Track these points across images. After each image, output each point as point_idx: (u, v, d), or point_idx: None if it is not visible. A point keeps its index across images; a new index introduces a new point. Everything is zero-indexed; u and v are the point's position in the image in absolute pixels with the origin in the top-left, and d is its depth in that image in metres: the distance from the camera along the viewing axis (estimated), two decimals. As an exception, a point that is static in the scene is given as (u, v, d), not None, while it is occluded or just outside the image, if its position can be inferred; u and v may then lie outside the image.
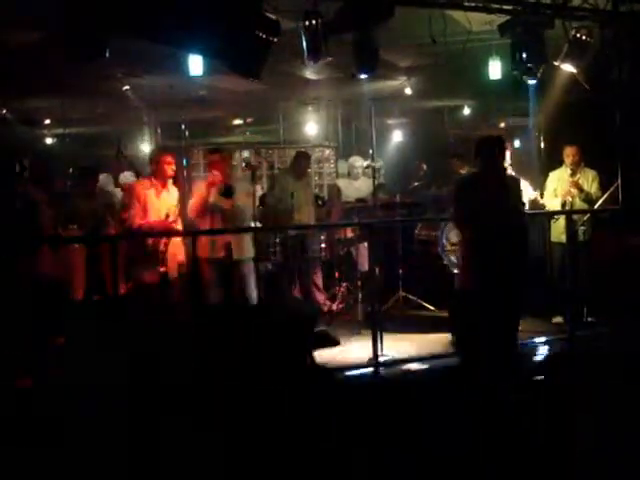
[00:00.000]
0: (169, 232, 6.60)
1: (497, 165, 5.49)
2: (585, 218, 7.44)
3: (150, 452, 4.32)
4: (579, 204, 7.48)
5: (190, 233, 7.05)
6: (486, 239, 5.29)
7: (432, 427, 4.30)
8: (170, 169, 6.60)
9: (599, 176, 7.53)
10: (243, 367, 5.08)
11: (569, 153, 7.57)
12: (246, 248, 6.98)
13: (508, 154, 7.47)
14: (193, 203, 6.97)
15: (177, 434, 4.45)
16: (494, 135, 5.77)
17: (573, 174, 7.51)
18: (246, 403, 4.71)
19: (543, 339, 6.67)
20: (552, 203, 7.57)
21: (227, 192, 6.77)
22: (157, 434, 4.54)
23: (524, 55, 6.73)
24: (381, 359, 6.09)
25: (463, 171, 8.77)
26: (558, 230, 7.28)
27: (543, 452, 4.15)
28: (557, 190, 7.56)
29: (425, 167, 10.43)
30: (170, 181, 6.66)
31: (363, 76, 6.73)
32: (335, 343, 6.77)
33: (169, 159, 6.63)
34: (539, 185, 7.93)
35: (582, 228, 7.39)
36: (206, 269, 6.87)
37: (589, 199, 7.45)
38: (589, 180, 7.53)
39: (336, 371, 5.97)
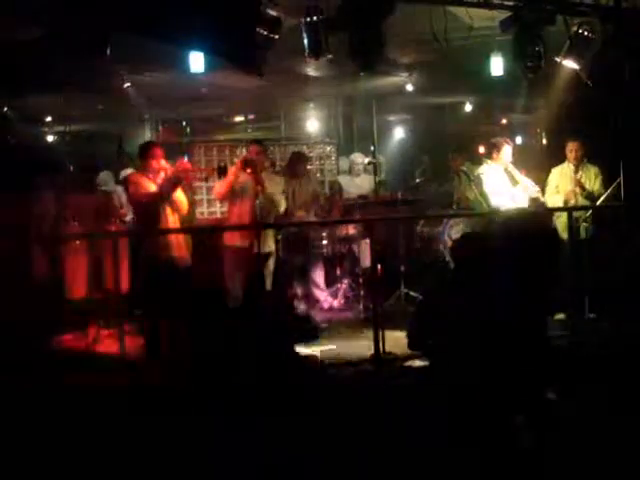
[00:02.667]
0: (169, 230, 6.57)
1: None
2: (587, 215, 7.42)
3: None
4: (581, 201, 7.47)
5: (187, 230, 7.08)
6: None
7: (434, 425, 4.29)
8: (157, 162, 6.39)
9: (601, 173, 7.52)
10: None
11: (572, 148, 7.55)
12: (269, 241, 6.98)
13: (510, 151, 7.47)
14: (220, 184, 6.95)
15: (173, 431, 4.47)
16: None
17: (576, 170, 7.49)
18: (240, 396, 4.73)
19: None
20: (554, 199, 7.56)
21: (221, 171, 6.71)
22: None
23: (525, 51, 6.72)
24: (383, 356, 6.08)
25: (463, 167, 8.77)
26: (560, 227, 7.26)
27: (542, 452, 4.15)
28: (559, 187, 7.54)
29: (427, 159, 10.42)
30: (162, 174, 6.41)
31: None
32: (315, 331, 6.76)
33: (157, 152, 6.51)
34: (541, 182, 7.91)
35: (584, 225, 7.37)
36: (229, 256, 6.85)
37: (592, 197, 7.43)
38: (592, 176, 7.52)
39: (336, 367, 5.99)
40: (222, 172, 6.70)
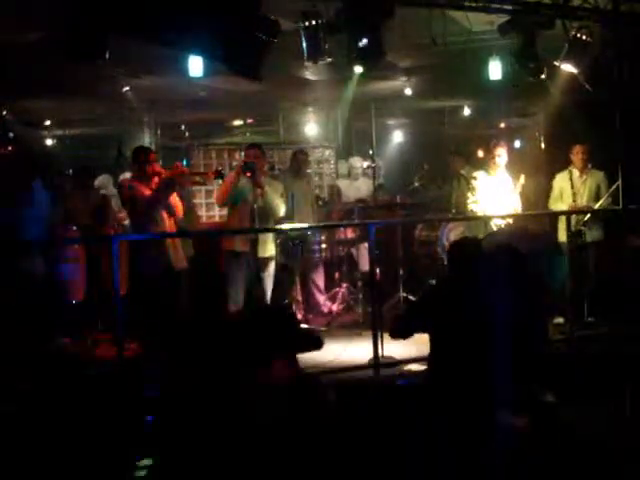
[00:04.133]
0: (172, 233, 6.56)
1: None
2: (586, 218, 7.41)
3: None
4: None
5: (185, 234, 7.08)
6: None
7: (433, 429, 4.29)
8: (151, 167, 6.34)
9: (606, 179, 7.49)
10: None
11: (579, 151, 7.49)
12: (269, 246, 6.96)
13: (504, 153, 7.41)
14: (219, 189, 6.96)
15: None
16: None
17: (581, 176, 7.46)
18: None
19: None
20: (557, 206, 7.52)
21: (218, 175, 6.73)
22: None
23: (524, 55, 6.73)
24: (382, 360, 6.08)
25: (463, 170, 8.77)
26: (561, 231, 7.25)
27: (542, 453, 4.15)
28: (563, 193, 7.51)
29: (426, 167, 10.40)
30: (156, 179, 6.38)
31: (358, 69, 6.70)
32: (319, 344, 6.67)
33: (151, 157, 6.46)
34: (540, 185, 7.92)
35: (584, 228, 7.36)
36: (229, 261, 6.84)
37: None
38: (598, 182, 7.47)
39: (335, 371, 5.98)
40: (219, 176, 6.70)
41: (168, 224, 6.40)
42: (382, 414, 4.72)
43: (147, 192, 6.25)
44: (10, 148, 7.86)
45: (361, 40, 6.04)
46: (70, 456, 4.27)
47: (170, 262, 6.32)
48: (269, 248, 6.96)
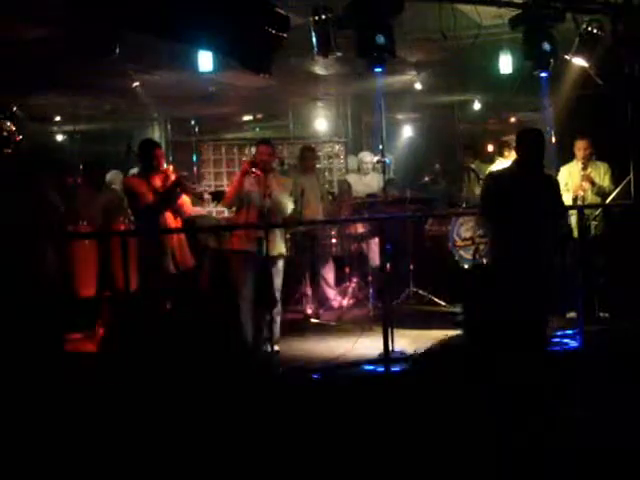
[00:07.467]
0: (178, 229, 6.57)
1: (538, 160, 5.37)
2: (597, 212, 7.39)
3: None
4: (591, 198, 7.44)
5: (191, 230, 7.08)
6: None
7: (442, 425, 4.29)
8: (157, 162, 6.42)
9: (611, 169, 7.50)
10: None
11: (580, 146, 7.55)
12: (278, 244, 6.89)
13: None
14: (227, 191, 6.95)
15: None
16: (536, 128, 5.64)
17: (584, 168, 7.48)
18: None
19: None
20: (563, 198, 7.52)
21: (215, 197, 6.75)
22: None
23: (535, 49, 6.71)
24: (392, 355, 6.08)
25: (473, 165, 8.76)
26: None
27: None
28: (568, 185, 7.52)
29: (438, 166, 10.36)
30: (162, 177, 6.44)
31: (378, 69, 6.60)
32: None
33: (158, 152, 6.52)
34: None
35: (594, 223, 7.34)
36: (235, 261, 6.81)
37: (602, 192, 7.41)
38: (601, 173, 7.50)
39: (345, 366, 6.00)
40: (216, 198, 6.69)
41: (173, 224, 6.40)
42: (391, 408, 4.73)
43: (148, 193, 6.25)
44: (20, 144, 7.86)
45: (371, 35, 6.02)
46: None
47: (176, 262, 6.33)
48: (278, 246, 6.89)
